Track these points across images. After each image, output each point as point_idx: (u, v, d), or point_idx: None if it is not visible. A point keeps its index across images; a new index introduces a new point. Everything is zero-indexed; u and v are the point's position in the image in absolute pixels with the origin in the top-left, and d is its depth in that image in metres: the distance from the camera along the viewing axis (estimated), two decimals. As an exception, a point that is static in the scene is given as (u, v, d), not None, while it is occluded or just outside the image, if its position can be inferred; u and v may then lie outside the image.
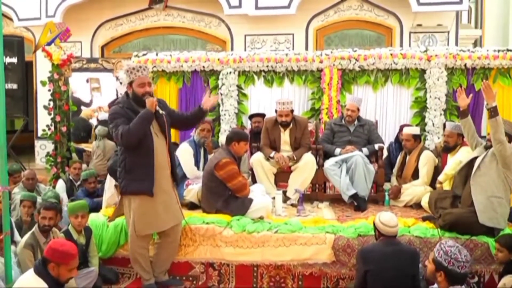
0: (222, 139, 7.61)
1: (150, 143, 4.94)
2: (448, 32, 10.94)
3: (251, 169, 7.08)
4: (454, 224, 5.30)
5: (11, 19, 12.21)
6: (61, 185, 7.79)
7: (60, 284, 4.03)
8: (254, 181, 6.94)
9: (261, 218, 5.81)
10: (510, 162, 5.21)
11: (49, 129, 8.97)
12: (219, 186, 5.84)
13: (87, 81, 11.84)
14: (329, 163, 6.85)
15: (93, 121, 11.35)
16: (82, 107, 11.44)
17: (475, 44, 15.42)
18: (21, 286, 3.97)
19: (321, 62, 7.87)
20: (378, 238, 4.69)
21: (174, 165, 5.30)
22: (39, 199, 6.47)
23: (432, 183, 6.63)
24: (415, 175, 6.81)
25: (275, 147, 7.03)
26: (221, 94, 8.10)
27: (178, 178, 5.44)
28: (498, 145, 5.17)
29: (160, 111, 4.98)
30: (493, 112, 5.23)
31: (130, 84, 4.99)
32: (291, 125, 7.00)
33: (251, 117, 8.01)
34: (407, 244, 5.07)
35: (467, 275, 3.75)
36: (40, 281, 3.88)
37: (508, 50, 7.47)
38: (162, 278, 5.38)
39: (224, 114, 8.11)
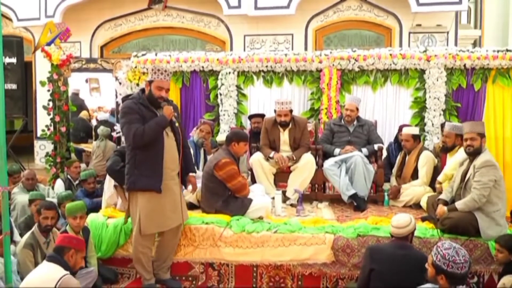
0: (221, 139, 7.61)
1: (161, 141, 5.01)
2: (448, 32, 10.94)
3: (251, 169, 7.08)
4: (454, 228, 5.29)
5: (10, 20, 12.20)
6: (59, 185, 7.79)
7: (73, 274, 4.11)
8: (253, 181, 6.95)
9: (261, 218, 5.82)
10: (489, 195, 5.25)
11: (49, 129, 8.98)
12: (219, 186, 5.84)
13: (86, 81, 11.85)
14: (328, 163, 6.86)
15: (93, 121, 11.38)
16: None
17: (474, 44, 15.42)
18: (38, 276, 4.00)
19: (320, 62, 7.87)
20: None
21: (183, 168, 5.34)
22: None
23: (432, 183, 6.64)
24: (415, 175, 6.82)
25: (275, 147, 7.04)
26: (221, 94, 8.10)
27: (186, 182, 5.47)
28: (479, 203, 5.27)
29: (176, 124, 5.18)
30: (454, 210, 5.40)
31: (150, 82, 5.08)
32: (291, 125, 7.00)
33: (250, 117, 8.01)
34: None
35: (468, 274, 3.74)
36: (57, 267, 3.94)
37: (507, 50, 7.45)
38: (163, 276, 5.39)
39: (224, 114, 8.10)
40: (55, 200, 6.60)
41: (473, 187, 5.23)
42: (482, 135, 5.42)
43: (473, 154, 5.43)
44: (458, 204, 5.31)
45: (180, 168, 5.24)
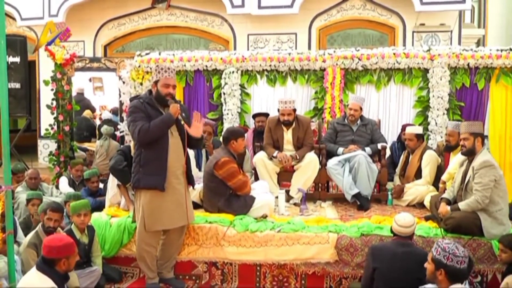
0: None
1: (165, 140, 5.02)
2: (451, 31, 10.92)
3: (254, 169, 7.08)
4: (457, 227, 5.28)
5: (14, 19, 12.21)
6: (64, 180, 7.81)
7: (65, 277, 4.09)
8: (257, 180, 6.93)
9: (265, 216, 5.81)
10: (490, 195, 5.22)
11: (52, 128, 8.99)
12: (220, 186, 5.84)
13: (90, 80, 11.86)
14: (332, 163, 6.85)
15: (96, 121, 11.40)
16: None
17: (478, 44, 15.41)
18: (26, 286, 3.99)
19: (324, 61, 7.87)
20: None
21: (190, 167, 5.35)
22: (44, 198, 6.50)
23: (435, 182, 6.64)
24: (418, 174, 6.81)
25: (278, 146, 7.03)
26: (224, 94, 8.11)
27: (194, 181, 5.46)
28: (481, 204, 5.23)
29: (182, 122, 5.12)
30: (457, 210, 5.36)
31: (155, 82, 5.11)
32: (294, 124, 7.00)
33: (254, 116, 8.01)
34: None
35: (467, 273, 3.75)
36: (46, 279, 3.91)
37: (511, 49, 7.45)
38: (167, 275, 5.40)
39: (227, 114, 8.12)
40: (58, 200, 6.62)
41: (475, 189, 5.21)
42: (476, 135, 5.38)
43: (467, 154, 5.44)
44: (461, 205, 5.30)
45: (185, 168, 5.25)
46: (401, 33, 11.17)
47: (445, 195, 5.72)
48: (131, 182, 5.25)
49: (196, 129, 5.19)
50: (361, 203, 6.61)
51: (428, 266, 3.85)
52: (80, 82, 10.81)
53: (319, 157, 6.99)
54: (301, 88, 8.18)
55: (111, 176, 6.31)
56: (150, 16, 12.31)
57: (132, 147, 5.77)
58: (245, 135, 6.82)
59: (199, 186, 6.26)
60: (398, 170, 7.24)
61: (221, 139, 7.35)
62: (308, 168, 6.82)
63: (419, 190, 6.65)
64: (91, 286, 5.18)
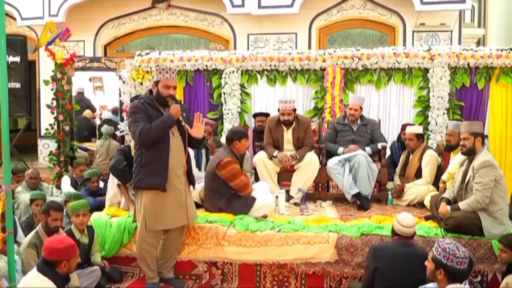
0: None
1: (166, 140, 5.03)
2: (451, 31, 10.91)
3: (254, 168, 7.08)
4: (457, 227, 5.28)
5: (14, 18, 12.20)
6: (67, 180, 7.81)
7: (66, 279, 4.09)
8: (257, 180, 6.94)
9: (265, 216, 5.81)
10: (490, 195, 5.20)
11: (52, 128, 8.99)
12: (222, 186, 5.84)
13: (90, 80, 11.86)
14: (332, 162, 6.85)
15: (96, 120, 11.40)
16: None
17: (478, 43, 15.41)
18: (27, 287, 3.99)
19: (324, 61, 7.88)
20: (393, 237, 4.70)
21: (190, 166, 5.36)
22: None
23: (435, 182, 6.63)
24: (418, 174, 6.81)
25: (278, 146, 7.03)
26: (224, 93, 8.11)
27: (194, 180, 5.47)
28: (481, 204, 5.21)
29: (183, 122, 5.12)
30: (457, 210, 5.34)
31: (156, 83, 5.13)
32: (294, 124, 7.00)
33: (254, 116, 8.02)
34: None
35: (467, 273, 3.75)
36: (46, 280, 3.92)
37: (511, 49, 7.46)
38: (167, 275, 5.40)
39: (227, 113, 8.12)
40: (58, 199, 6.61)
41: (475, 189, 5.20)
42: (476, 135, 5.37)
43: (467, 154, 5.43)
44: (461, 205, 5.29)
45: (186, 167, 5.25)
46: (401, 32, 11.17)
47: (445, 195, 5.72)
48: (132, 182, 5.26)
49: (197, 130, 5.20)
50: (361, 203, 6.61)
51: (428, 265, 3.86)
52: (80, 81, 10.81)
53: (319, 157, 6.99)
54: (301, 88, 8.19)
55: (111, 175, 6.30)
56: (150, 16, 12.30)
57: (132, 147, 5.77)
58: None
59: (199, 185, 6.26)
60: (398, 170, 7.24)
61: (224, 139, 7.40)
62: (308, 168, 6.81)
63: (419, 190, 6.65)
64: (91, 286, 5.18)
